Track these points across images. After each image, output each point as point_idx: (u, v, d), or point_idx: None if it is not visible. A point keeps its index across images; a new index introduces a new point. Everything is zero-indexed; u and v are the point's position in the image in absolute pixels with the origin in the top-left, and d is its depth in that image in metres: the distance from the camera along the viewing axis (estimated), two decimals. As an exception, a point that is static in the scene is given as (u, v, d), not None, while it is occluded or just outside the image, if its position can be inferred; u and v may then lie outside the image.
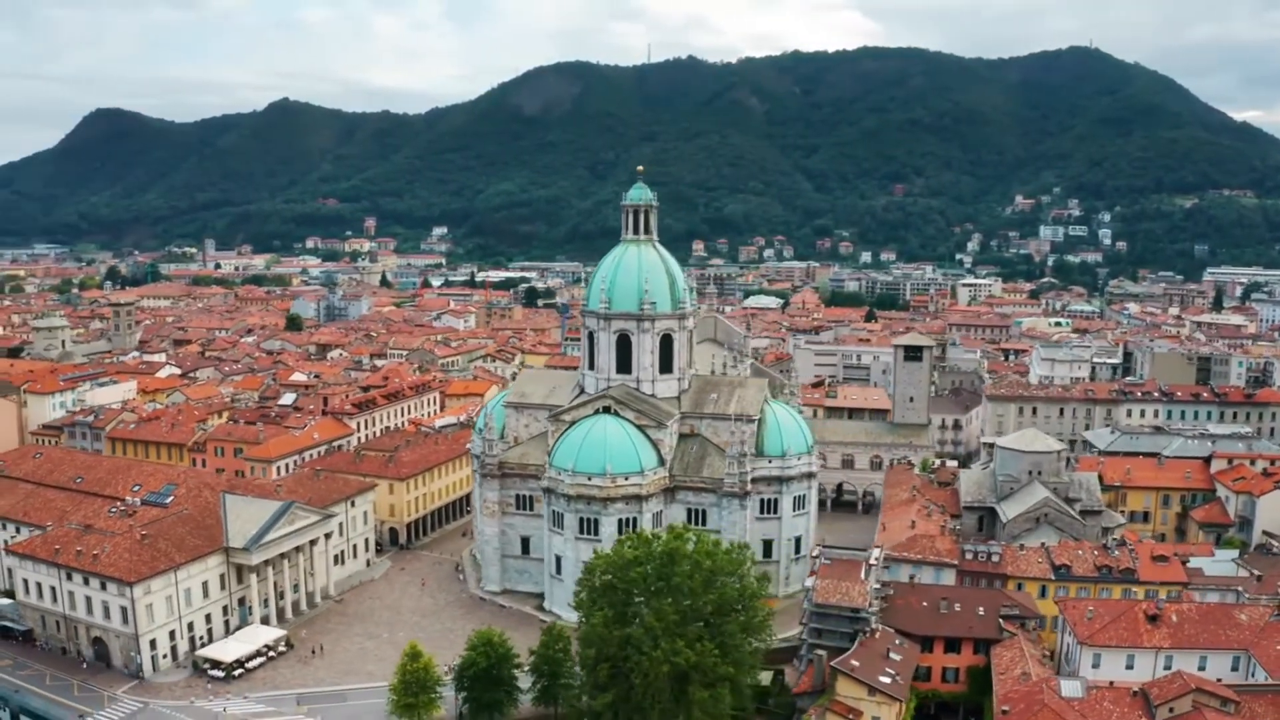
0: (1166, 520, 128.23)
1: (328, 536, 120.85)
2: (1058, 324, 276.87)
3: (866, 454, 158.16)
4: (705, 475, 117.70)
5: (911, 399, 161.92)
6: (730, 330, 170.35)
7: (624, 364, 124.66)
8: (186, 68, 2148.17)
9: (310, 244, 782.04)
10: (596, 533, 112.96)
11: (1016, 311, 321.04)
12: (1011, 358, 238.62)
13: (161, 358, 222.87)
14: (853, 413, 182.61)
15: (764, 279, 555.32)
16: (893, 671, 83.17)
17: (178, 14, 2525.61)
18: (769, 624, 79.26)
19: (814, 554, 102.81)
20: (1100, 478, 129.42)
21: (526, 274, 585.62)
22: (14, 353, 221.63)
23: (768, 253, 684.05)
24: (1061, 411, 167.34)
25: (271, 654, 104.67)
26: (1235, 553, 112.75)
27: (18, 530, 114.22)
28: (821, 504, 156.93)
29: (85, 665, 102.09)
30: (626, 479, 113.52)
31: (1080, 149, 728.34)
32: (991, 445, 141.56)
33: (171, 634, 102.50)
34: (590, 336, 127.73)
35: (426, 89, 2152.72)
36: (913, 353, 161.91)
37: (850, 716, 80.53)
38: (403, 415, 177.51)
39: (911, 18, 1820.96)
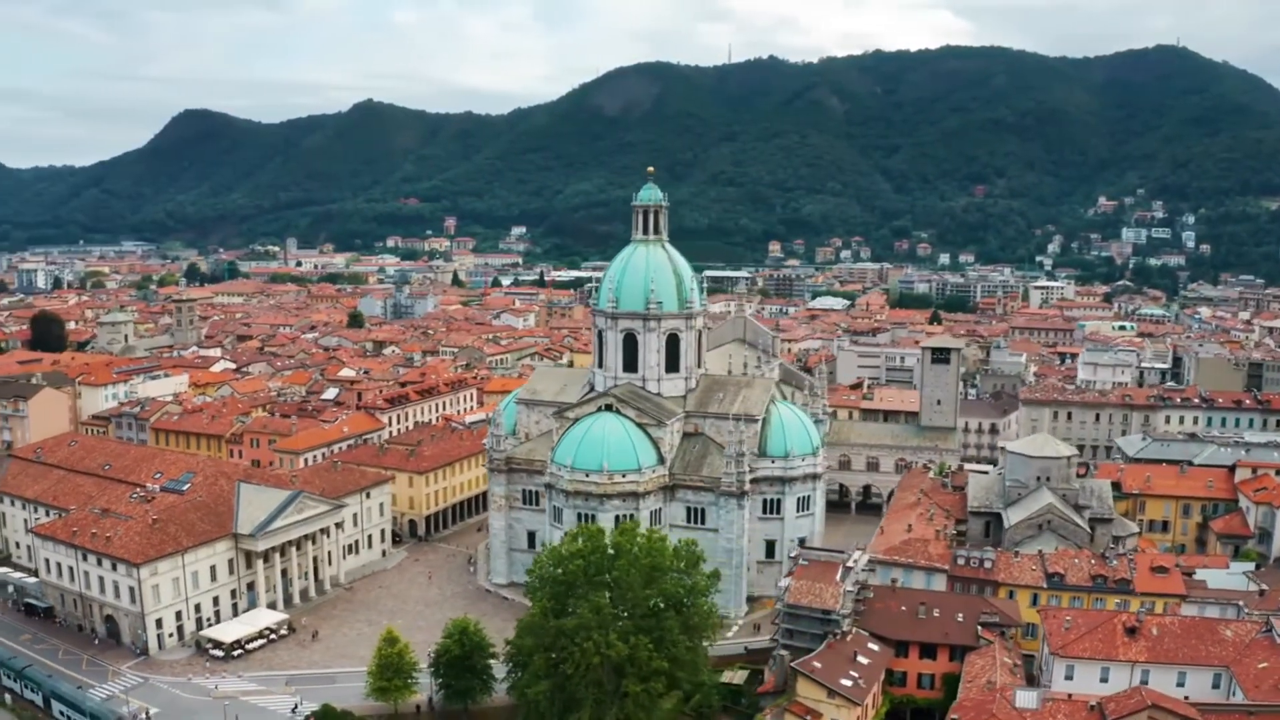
0: (1187, 530, 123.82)
1: (339, 526, 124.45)
2: (1122, 328, 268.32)
3: (891, 456, 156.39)
4: (704, 474, 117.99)
5: (939, 402, 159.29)
6: (759, 331, 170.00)
7: (630, 363, 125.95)
8: (277, 69, 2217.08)
9: (390, 243, 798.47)
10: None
11: (1084, 315, 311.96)
12: (1067, 361, 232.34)
13: (217, 352, 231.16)
14: (888, 415, 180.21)
15: (836, 280, 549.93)
16: (856, 675, 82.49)
17: (270, 16, 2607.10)
18: (711, 623, 79.25)
19: (792, 555, 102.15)
20: (1119, 485, 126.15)
21: (597, 273, 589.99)
22: (82, 346, 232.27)
23: (844, 254, 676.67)
24: (1097, 417, 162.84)
25: (272, 636, 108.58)
26: (1251, 565, 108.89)
27: (46, 513, 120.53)
28: (845, 506, 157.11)
29: (97, 641, 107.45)
30: (624, 476, 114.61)
31: (1165, 149, 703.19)
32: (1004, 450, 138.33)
33: (178, 614, 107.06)
34: (600, 335, 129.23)
35: (515, 90, 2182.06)
36: (940, 355, 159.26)
37: (808, 718, 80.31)
38: (436, 411, 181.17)
39: (1004, 16, 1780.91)
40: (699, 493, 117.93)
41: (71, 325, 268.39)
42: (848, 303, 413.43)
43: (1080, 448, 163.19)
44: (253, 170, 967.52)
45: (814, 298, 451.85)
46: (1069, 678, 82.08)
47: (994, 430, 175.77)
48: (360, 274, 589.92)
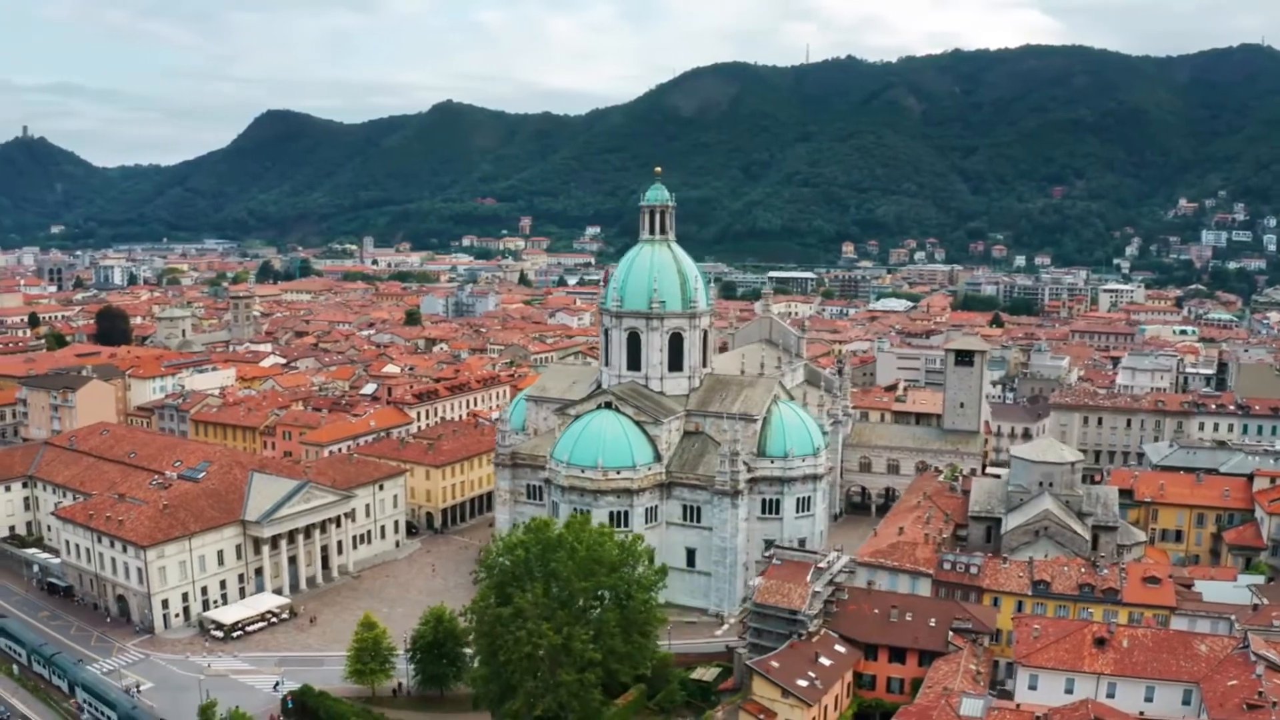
0: (1201, 541, 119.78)
1: (348, 516, 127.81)
2: (1183, 332, 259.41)
3: (912, 459, 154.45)
4: (701, 473, 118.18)
5: (962, 405, 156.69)
6: (785, 331, 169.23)
7: (634, 361, 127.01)
8: (362, 70, 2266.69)
9: (466, 242, 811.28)
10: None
11: (1149, 319, 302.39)
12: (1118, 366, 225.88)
13: (268, 347, 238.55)
14: (919, 417, 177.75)
15: (905, 282, 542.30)
16: (813, 676, 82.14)
17: (357, 18, 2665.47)
18: (652, 619, 79.67)
19: (766, 554, 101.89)
20: (1131, 493, 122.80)
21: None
22: (145, 340, 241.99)
23: (919, 255, 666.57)
24: (1129, 422, 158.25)
25: (273, 620, 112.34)
26: (1261, 578, 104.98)
27: (74, 497, 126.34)
28: (866, 508, 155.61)
29: (109, 619, 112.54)
30: (618, 473, 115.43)
31: (1249, 150, 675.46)
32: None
33: (184, 596, 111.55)
34: (606, 334, 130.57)
35: (598, 90, 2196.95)
36: (964, 357, 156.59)
37: (762, 716, 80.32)
38: (466, 407, 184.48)
39: (1092, 14, 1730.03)
40: (695, 491, 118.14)
41: (137, 320, 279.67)
42: (911, 304, 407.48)
43: (1110, 454, 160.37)
44: (333, 170, 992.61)
45: (878, 299, 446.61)
46: (1033, 687, 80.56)
47: (1027, 435, 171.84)
48: (432, 273, 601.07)
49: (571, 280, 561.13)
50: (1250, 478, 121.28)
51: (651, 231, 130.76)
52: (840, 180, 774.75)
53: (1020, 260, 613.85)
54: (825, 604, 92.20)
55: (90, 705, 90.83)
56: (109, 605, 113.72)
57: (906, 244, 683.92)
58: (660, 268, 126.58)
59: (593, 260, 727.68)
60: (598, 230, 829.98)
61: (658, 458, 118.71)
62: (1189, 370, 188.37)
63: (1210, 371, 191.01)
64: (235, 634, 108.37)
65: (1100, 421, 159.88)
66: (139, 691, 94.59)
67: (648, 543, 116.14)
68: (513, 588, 74.53)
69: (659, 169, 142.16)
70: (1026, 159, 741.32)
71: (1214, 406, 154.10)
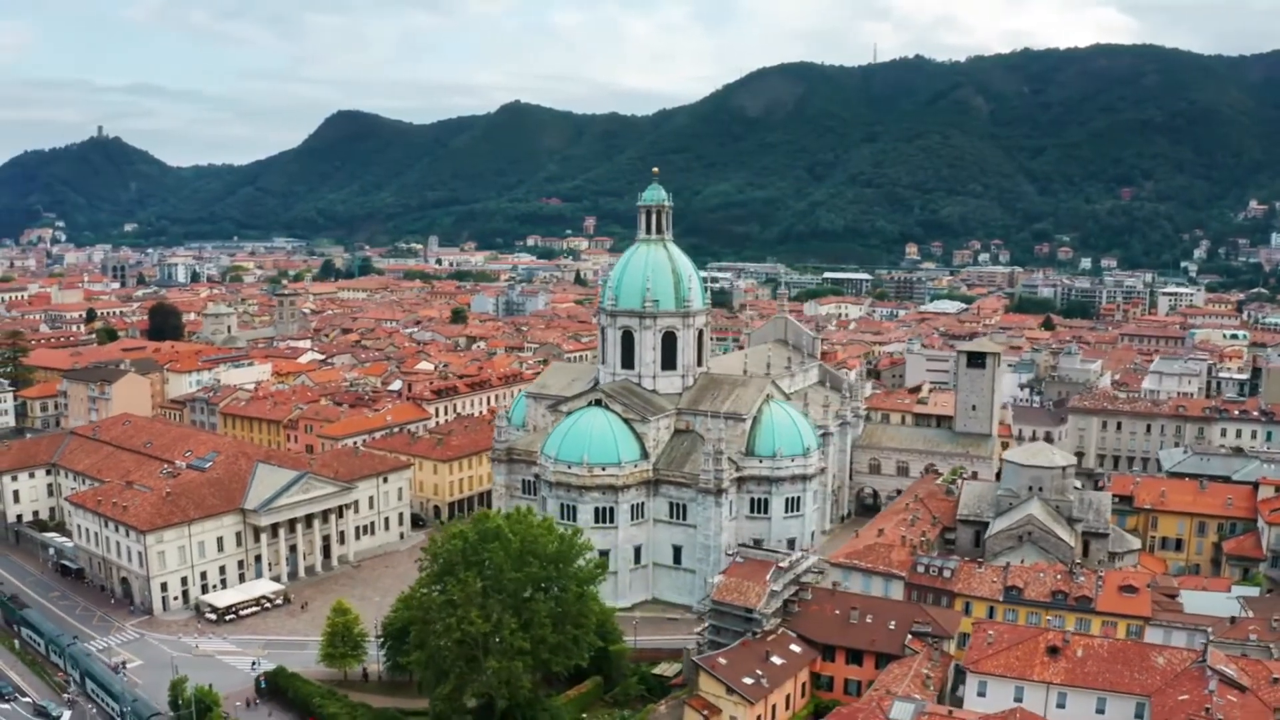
0: (1202, 550, 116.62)
1: (348, 507, 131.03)
2: (1233, 336, 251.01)
3: (922, 462, 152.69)
4: (687, 471, 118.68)
5: (974, 407, 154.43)
6: (800, 332, 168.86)
7: (628, 359, 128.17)
8: (438, 71, 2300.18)
9: (530, 242, 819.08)
10: (575, 519, 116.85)
11: (1204, 323, 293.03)
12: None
13: (307, 344, 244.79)
14: (940, 420, 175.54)
15: (964, 284, 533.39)
16: (760, 674, 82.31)
17: (432, 19, 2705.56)
18: (584, 611, 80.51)
19: (730, 553, 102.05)
20: (1131, 499, 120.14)
21: (722, 274, 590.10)
22: (193, 336, 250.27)
23: (983, 257, 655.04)
24: (1149, 428, 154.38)
25: (267, 605, 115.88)
26: (1256, 590, 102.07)
27: (91, 484, 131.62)
28: (876, 510, 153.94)
29: (113, 600, 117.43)
30: (604, 469, 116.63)
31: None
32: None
33: (183, 580, 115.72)
34: (603, 333, 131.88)
35: (672, 90, 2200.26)
36: (976, 359, 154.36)
37: (707, 713, 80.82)
38: (486, 404, 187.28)
39: (1169, 13, 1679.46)
40: (681, 489, 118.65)
41: (190, 316, 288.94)
42: (964, 306, 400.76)
43: (1129, 460, 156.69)
44: (402, 170, 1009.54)
45: (932, 300, 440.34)
46: (981, 694, 79.52)
47: (1048, 439, 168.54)
48: (492, 272, 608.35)
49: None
50: (1255, 486, 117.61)
51: (648, 231, 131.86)
52: (905, 181, 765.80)
53: (1086, 262, 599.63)
54: (786, 603, 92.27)
55: (98, 695, 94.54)
56: (114, 587, 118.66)
57: (970, 245, 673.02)
58: (654, 267, 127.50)
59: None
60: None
61: (645, 455, 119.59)
62: (1222, 375, 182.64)
63: (1244, 377, 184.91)
64: (228, 617, 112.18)
65: (1119, 426, 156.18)
66: (125, 668, 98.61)
67: (637, 539, 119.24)
68: (449, 575, 76.43)
69: (656, 169, 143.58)
70: (1095, 159, 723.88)
71: (1237, 412, 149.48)
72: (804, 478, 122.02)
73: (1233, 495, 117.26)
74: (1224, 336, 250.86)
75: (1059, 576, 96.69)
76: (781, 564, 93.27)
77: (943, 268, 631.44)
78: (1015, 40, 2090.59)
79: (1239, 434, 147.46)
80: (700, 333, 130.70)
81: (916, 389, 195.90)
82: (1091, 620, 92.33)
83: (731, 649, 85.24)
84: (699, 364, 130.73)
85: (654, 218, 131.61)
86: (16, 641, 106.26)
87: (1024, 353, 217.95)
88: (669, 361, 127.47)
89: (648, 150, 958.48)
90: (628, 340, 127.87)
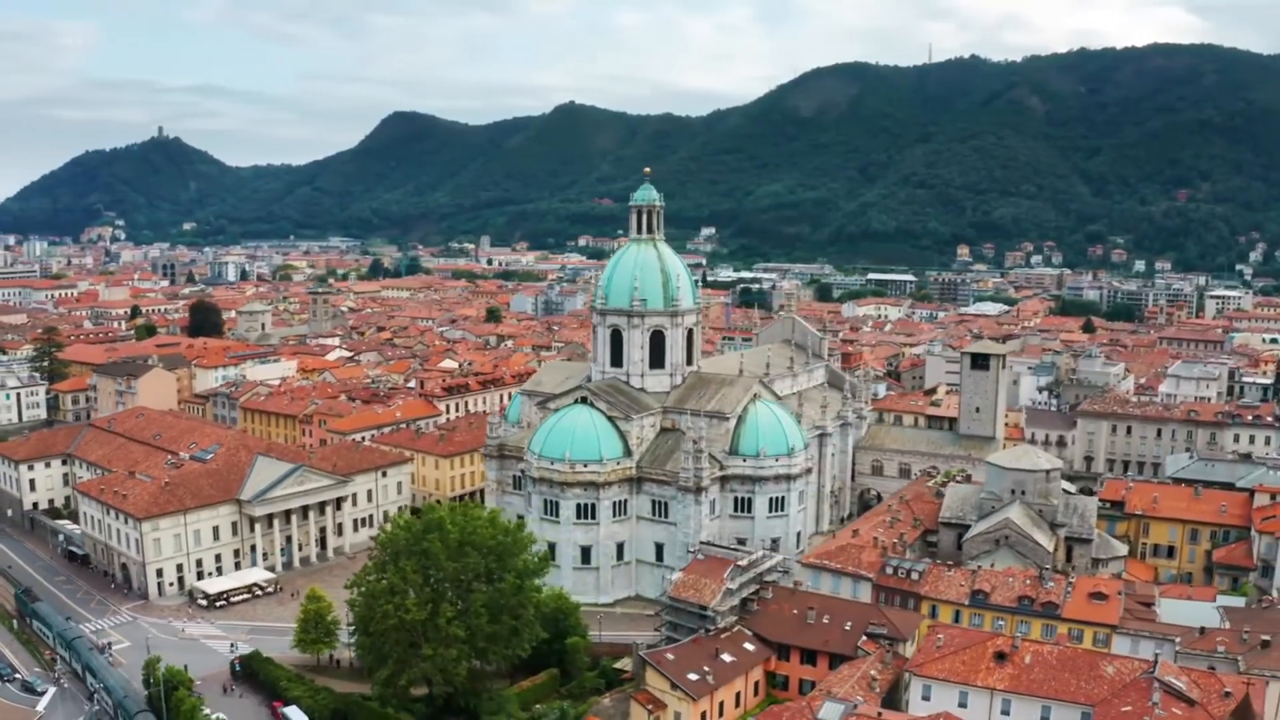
0: (1194, 558, 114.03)
1: (346, 500, 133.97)
2: (1273, 340, 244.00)
3: (924, 464, 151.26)
4: (668, 469, 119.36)
5: (978, 410, 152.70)
6: (806, 332, 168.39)
7: (617, 358, 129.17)
8: (497, 71, 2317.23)
9: (582, 242, 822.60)
10: (557, 515, 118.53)
11: (1248, 326, 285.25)
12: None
13: (335, 341, 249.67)
14: (952, 422, 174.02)
15: (1011, 285, 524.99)
16: (707, 671, 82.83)
17: (494, 20, 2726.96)
18: (522, 603, 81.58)
19: (691, 549, 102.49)
20: (1122, 505, 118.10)
21: (766, 275, 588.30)
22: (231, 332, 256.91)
23: (1035, 259, 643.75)
24: (1159, 432, 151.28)
25: (258, 593, 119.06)
26: (1241, 600, 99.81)
27: (102, 473, 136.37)
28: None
29: (114, 585, 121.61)
30: (585, 466, 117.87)
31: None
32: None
33: (179, 566, 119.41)
34: (595, 331, 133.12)
35: (733, 90, 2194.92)
36: (980, 361, 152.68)
37: (651, 707, 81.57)
38: (497, 401, 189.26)
39: (1236, 12, 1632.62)
40: (662, 487, 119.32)
41: (231, 314, 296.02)
42: (1005, 309, 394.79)
43: (1140, 465, 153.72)
44: (456, 170, 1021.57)
45: (975, 302, 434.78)
46: (926, 698, 79.11)
47: (1061, 443, 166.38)
48: (540, 272, 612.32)
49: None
50: (1251, 493, 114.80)
51: (639, 231, 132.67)
52: (958, 181, 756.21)
53: (1140, 265, 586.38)
54: (744, 601, 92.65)
55: (96, 688, 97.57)
56: (116, 572, 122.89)
57: (1023, 247, 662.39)
58: (643, 266, 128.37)
59: (703, 261, 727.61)
60: (712, 231, 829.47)
61: (628, 453, 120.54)
62: (1245, 380, 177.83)
63: (1269, 382, 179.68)
64: (219, 603, 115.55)
65: (1129, 431, 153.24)
66: (110, 650, 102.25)
67: (620, 536, 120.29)
68: (391, 564, 78.34)
69: (648, 169, 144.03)
70: (1151, 160, 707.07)
71: (1250, 418, 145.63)
72: (788, 478, 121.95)
73: (1227, 502, 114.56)
74: (1263, 341, 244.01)
75: (1028, 582, 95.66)
76: (740, 562, 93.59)
77: (994, 269, 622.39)
78: (1080, 39, 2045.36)
79: (1252, 440, 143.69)
80: (690, 332, 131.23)
81: (932, 391, 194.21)
82: (1057, 627, 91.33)
83: (681, 645, 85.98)
84: (689, 363, 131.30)
85: (645, 217, 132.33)
86: (20, 626, 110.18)
87: (1045, 355, 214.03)
88: (657, 360, 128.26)
89: (700, 150, 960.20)
90: (616, 339, 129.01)
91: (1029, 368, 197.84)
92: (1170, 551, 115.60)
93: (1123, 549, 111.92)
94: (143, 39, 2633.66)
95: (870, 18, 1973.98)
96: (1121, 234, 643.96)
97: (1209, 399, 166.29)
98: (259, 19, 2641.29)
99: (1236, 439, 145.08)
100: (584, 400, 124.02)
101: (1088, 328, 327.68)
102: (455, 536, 78.12)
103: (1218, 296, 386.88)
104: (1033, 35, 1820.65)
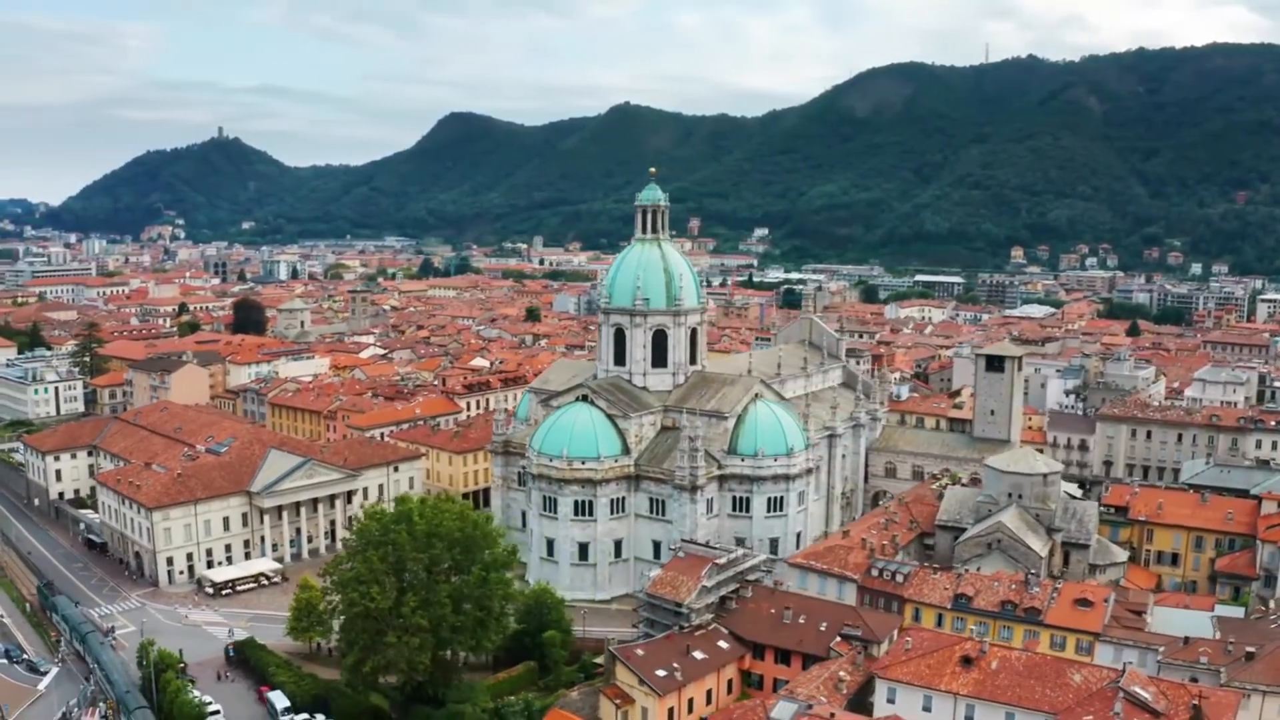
0: (1199, 566, 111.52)
1: (355, 493, 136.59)
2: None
3: (937, 466, 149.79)
4: (665, 467, 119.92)
5: (992, 412, 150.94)
6: (824, 333, 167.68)
7: (620, 356, 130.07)
8: (557, 72, 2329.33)
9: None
10: (555, 511, 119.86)
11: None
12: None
13: (370, 339, 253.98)
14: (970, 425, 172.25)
15: (1062, 288, 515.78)
16: (677, 667, 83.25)
17: (555, 22, 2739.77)
18: (487, 595, 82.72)
19: (673, 547, 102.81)
20: (1125, 510, 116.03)
21: (814, 276, 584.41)
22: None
23: (1090, 261, 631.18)
24: (1180, 437, 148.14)
25: (265, 582, 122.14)
26: (1240, 611, 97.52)
27: (124, 465, 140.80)
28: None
29: (128, 573, 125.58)
30: (583, 463, 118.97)
31: None
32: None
33: (189, 555, 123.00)
34: (600, 330, 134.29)
35: (793, 91, 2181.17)
36: (994, 363, 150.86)
37: (620, 702, 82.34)
38: (517, 399, 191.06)
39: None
40: (659, 485, 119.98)
41: (273, 312, 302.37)
42: (1052, 311, 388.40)
43: (1160, 470, 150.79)
44: (511, 171, 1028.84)
45: (1022, 304, 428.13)
46: (891, 701, 78.63)
47: (1084, 447, 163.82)
48: (590, 272, 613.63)
49: (715, 281, 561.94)
50: (1259, 501, 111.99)
51: (644, 230, 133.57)
52: (1013, 183, 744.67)
53: (1196, 268, 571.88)
54: (723, 600, 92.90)
55: (102, 683, 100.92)
56: (130, 560, 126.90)
57: (1078, 249, 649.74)
58: (646, 266, 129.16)
59: (754, 262, 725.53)
60: (765, 232, 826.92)
61: (626, 451, 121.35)
62: (1276, 385, 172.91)
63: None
64: (225, 592, 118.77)
65: (1149, 435, 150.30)
66: (114, 634, 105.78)
67: (618, 533, 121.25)
68: (360, 554, 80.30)
69: (654, 169, 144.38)
70: (1210, 161, 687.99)
71: (1273, 423, 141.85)
72: (787, 478, 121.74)
73: (1234, 509, 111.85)
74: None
75: (1013, 587, 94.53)
76: (719, 561, 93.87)
77: (1047, 272, 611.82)
78: (1141, 39, 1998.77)
79: (1275, 445, 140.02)
80: (694, 331, 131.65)
81: (956, 393, 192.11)
82: (1040, 633, 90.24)
83: (653, 641, 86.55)
84: (693, 362, 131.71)
85: (650, 217, 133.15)
86: (38, 615, 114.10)
87: (1073, 358, 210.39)
88: (659, 359, 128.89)
89: (755, 151, 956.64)
90: (620, 338, 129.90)
91: (1057, 371, 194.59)
92: (1174, 559, 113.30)
93: (1122, 555, 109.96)
94: (206, 40, 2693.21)
95: (931, 17, 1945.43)
96: (1178, 236, 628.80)
97: (1235, 404, 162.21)
98: (319, 20, 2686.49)
99: (1259, 445, 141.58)
100: (584, 398, 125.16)
101: (1133, 330, 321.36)
102: (422, 528, 79.84)
103: (1270, 300, 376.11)
104: (1093, 35, 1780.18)
